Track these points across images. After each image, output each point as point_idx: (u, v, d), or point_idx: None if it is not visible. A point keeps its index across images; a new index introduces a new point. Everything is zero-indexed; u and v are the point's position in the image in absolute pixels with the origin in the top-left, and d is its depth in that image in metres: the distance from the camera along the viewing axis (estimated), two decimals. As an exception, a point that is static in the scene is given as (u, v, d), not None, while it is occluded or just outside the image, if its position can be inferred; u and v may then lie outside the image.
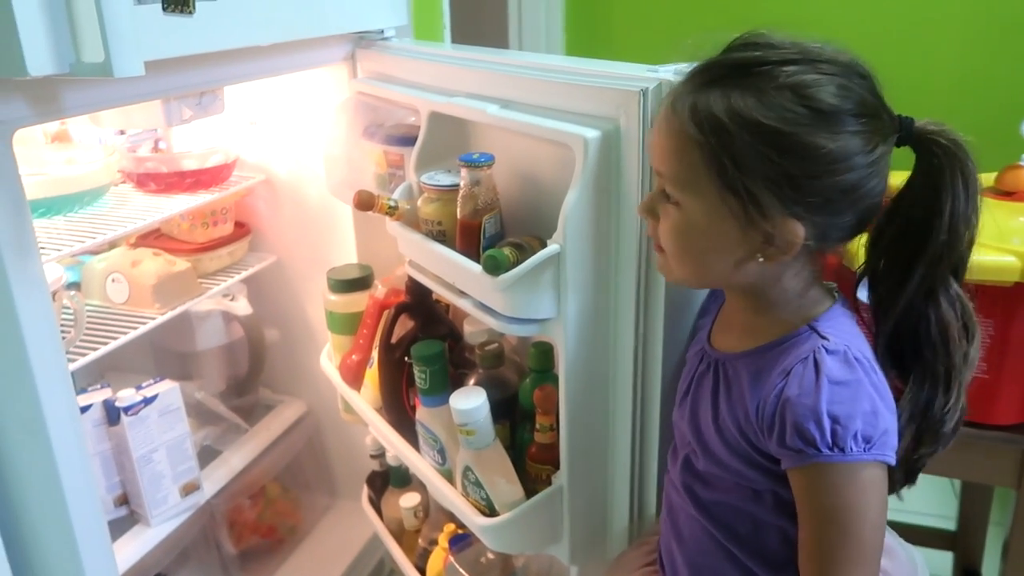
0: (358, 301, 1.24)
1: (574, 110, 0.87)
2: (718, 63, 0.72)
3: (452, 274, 0.95)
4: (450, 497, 1.01)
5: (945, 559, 1.59)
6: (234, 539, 1.45)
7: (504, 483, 0.94)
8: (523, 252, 0.85)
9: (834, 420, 0.69)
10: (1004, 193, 1.26)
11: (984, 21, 2.06)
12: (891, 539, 0.87)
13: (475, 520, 0.96)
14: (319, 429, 1.63)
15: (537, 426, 0.97)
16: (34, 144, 1.29)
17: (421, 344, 1.05)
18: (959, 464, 1.13)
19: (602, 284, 0.88)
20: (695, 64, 0.74)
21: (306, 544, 1.60)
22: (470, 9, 2.19)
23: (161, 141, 1.38)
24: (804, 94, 0.68)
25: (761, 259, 0.73)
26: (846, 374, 0.71)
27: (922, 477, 1.01)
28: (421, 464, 1.08)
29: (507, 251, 0.85)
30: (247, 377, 1.55)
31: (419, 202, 1.01)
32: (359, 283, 1.27)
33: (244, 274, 1.44)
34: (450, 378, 1.05)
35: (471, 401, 0.92)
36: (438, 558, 1.20)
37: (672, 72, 0.81)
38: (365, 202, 0.99)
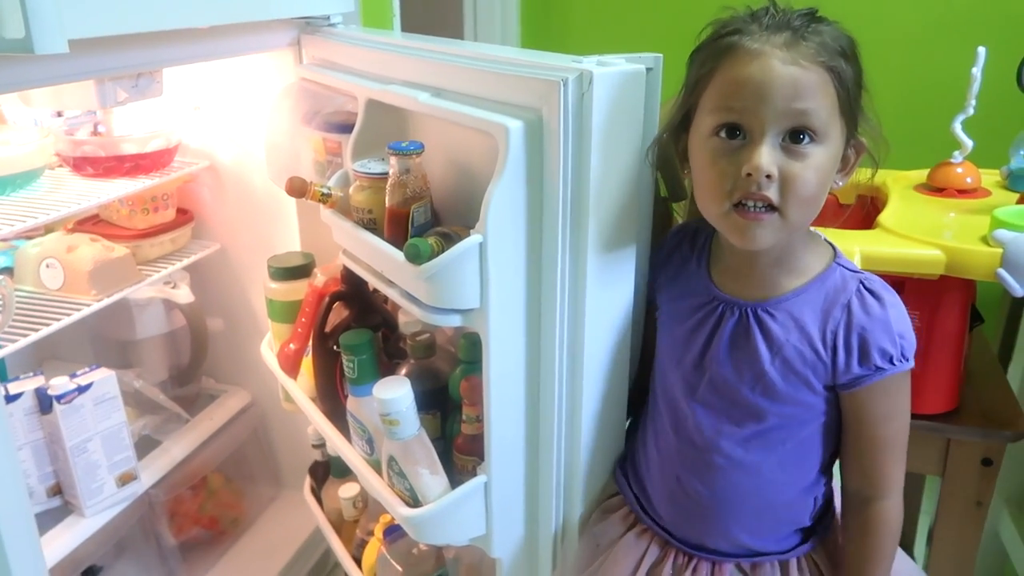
0: (298, 289, 1.23)
1: (502, 99, 0.86)
2: (800, 14, 0.78)
3: (380, 262, 0.95)
4: (377, 488, 1.00)
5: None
6: (174, 530, 1.43)
7: (427, 474, 0.93)
8: (449, 241, 0.84)
9: (901, 336, 0.81)
10: (935, 189, 1.29)
11: (921, 21, 2.11)
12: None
13: (399, 511, 0.95)
14: (264, 419, 1.62)
15: (464, 417, 0.97)
16: (-37, 126, 1.26)
17: (350, 333, 1.05)
18: (889, 453, 1.15)
19: (527, 275, 0.87)
20: (766, 25, 0.77)
21: (249, 535, 1.59)
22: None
23: (100, 124, 1.35)
24: (843, 30, 0.79)
25: (839, 183, 0.82)
26: (893, 297, 0.83)
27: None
28: (351, 454, 1.08)
29: (431, 240, 0.84)
30: (189, 366, 1.53)
31: (351, 190, 1.00)
32: (300, 271, 1.25)
33: (186, 261, 1.42)
34: (383, 368, 1.04)
35: (394, 391, 0.90)
36: (373, 549, 1.19)
37: (595, 62, 0.81)
38: (298, 189, 0.98)
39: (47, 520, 1.19)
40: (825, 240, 0.88)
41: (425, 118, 1.03)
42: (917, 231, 1.10)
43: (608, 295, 0.89)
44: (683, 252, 0.93)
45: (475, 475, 0.94)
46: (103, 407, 1.23)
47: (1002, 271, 1.00)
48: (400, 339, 1.11)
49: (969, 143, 1.27)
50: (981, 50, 1.21)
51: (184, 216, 1.46)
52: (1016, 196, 1.26)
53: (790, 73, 0.74)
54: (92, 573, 1.29)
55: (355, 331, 1.05)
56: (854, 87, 0.77)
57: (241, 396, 1.59)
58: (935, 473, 1.17)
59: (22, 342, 1.13)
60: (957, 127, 1.27)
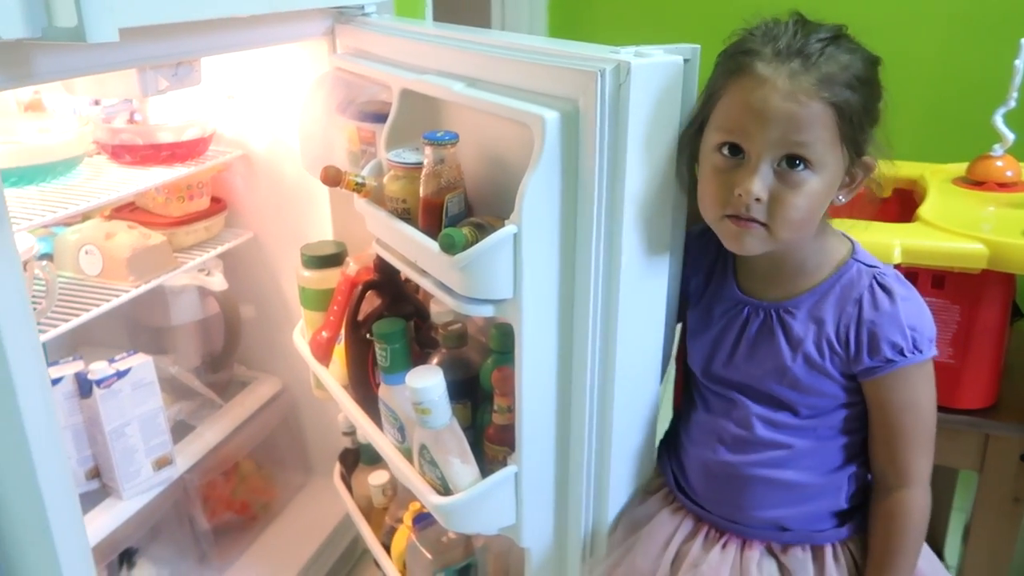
0: (331, 278, 1.24)
1: (538, 90, 0.86)
2: (819, 38, 0.79)
3: (413, 252, 0.95)
4: (408, 475, 1.01)
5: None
6: (207, 514, 1.45)
7: (458, 463, 0.94)
8: (483, 232, 0.85)
9: (913, 329, 0.84)
10: (975, 183, 1.27)
11: (960, 13, 2.07)
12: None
13: (430, 498, 0.96)
14: (294, 406, 1.64)
15: (495, 407, 0.97)
16: (6, 113, 1.28)
17: (383, 322, 1.05)
18: (924, 448, 1.14)
19: (561, 266, 0.87)
20: (777, 50, 0.78)
21: (279, 521, 1.61)
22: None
23: (137, 113, 1.36)
24: (863, 49, 0.81)
25: (842, 199, 0.85)
26: (906, 290, 0.86)
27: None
28: (383, 442, 1.08)
29: (466, 230, 0.84)
30: (222, 353, 1.55)
31: (385, 179, 1.00)
32: (332, 259, 1.26)
33: (220, 249, 1.44)
34: (415, 357, 1.05)
35: (427, 380, 0.91)
36: (402, 536, 1.20)
37: (633, 53, 0.80)
38: (332, 178, 0.99)
39: (86, 502, 1.21)
40: (843, 235, 0.91)
41: (459, 108, 1.03)
42: (957, 225, 1.09)
43: (643, 287, 0.89)
44: (711, 253, 0.96)
45: (506, 465, 0.94)
46: (141, 392, 1.25)
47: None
48: (432, 328, 1.11)
49: (1011, 136, 1.25)
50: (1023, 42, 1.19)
51: (218, 204, 1.48)
52: (1058, 190, 1.24)
53: (788, 108, 0.77)
54: (129, 555, 1.31)
55: (388, 320, 1.06)
56: (861, 115, 0.79)
57: (272, 383, 1.60)
58: (972, 468, 1.15)
59: (63, 327, 1.15)
60: (998, 120, 1.25)
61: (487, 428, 1.00)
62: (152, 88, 1.18)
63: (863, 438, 0.91)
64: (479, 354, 1.06)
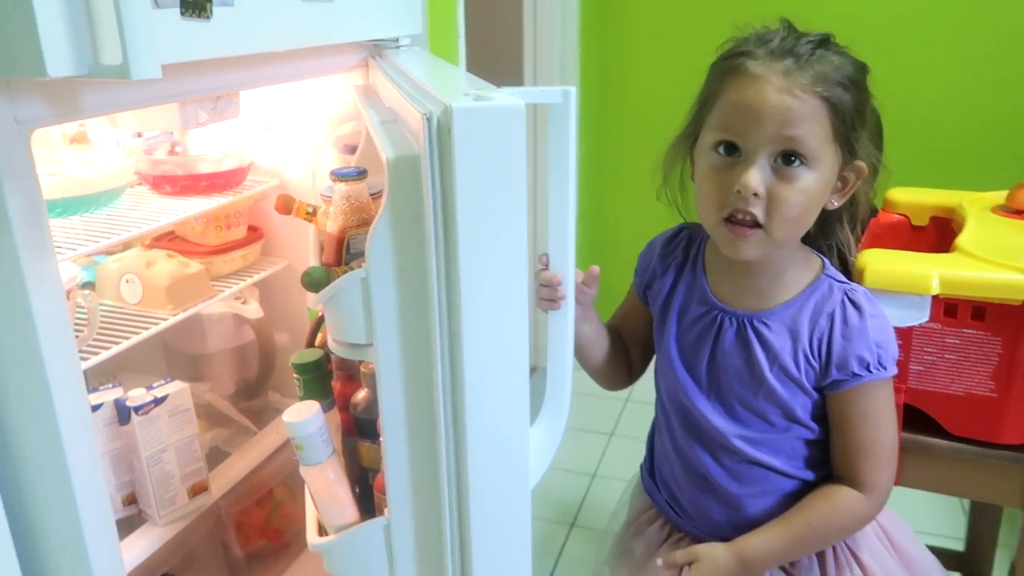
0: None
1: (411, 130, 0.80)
2: (808, 40, 0.83)
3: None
4: (308, 509, 0.98)
5: (953, 580, 1.58)
6: (241, 541, 1.45)
7: (332, 504, 0.90)
8: None
9: (878, 346, 0.87)
10: (1015, 211, 1.25)
11: (1000, 40, 2.06)
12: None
13: (308, 535, 0.94)
14: (327, 433, 1.64)
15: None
16: (53, 145, 1.31)
17: (302, 352, 1.03)
18: (967, 483, 1.12)
19: (411, 311, 0.81)
20: (772, 50, 0.82)
21: (311, 548, 1.60)
22: (487, 18, 2.20)
23: (177, 145, 1.39)
24: (851, 55, 0.85)
25: (835, 202, 0.88)
26: (874, 308, 0.89)
27: (930, 496, 1.04)
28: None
29: (339, 270, 0.82)
30: (257, 380, 1.56)
31: (320, 211, 1.00)
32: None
33: (256, 277, 1.46)
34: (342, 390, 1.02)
35: (299, 415, 0.88)
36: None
37: (473, 96, 0.72)
38: (284, 206, 0.99)
39: (122, 528, 1.21)
40: (815, 252, 0.94)
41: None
42: (998, 255, 1.07)
43: (488, 340, 0.78)
44: (677, 258, 0.98)
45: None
46: (177, 419, 1.26)
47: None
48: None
49: (1051, 163, 1.24)
50: (1064, 69, 1.18)
51: (255, 233, 1.50)
52: (1100, 218, 1.22)
53: (783, 102, 0.79)
54: (165, 582, 1.32)
55: (310, 350, 1.04)
56: (853, 115, 0.82)
57: (305, 410, 1.61)
58: (1016, 505, 1.13)
59: (104, 355, 1.16)
60: (1038, 147, 1.24)
61: (378, 477, 0.94)
62: (192, 121, 1.21)
63: None
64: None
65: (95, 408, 1.19)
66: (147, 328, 1.24)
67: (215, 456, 1.42)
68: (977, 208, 1.29)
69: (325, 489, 0.92)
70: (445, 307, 0.77)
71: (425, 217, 0.75)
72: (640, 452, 1.14)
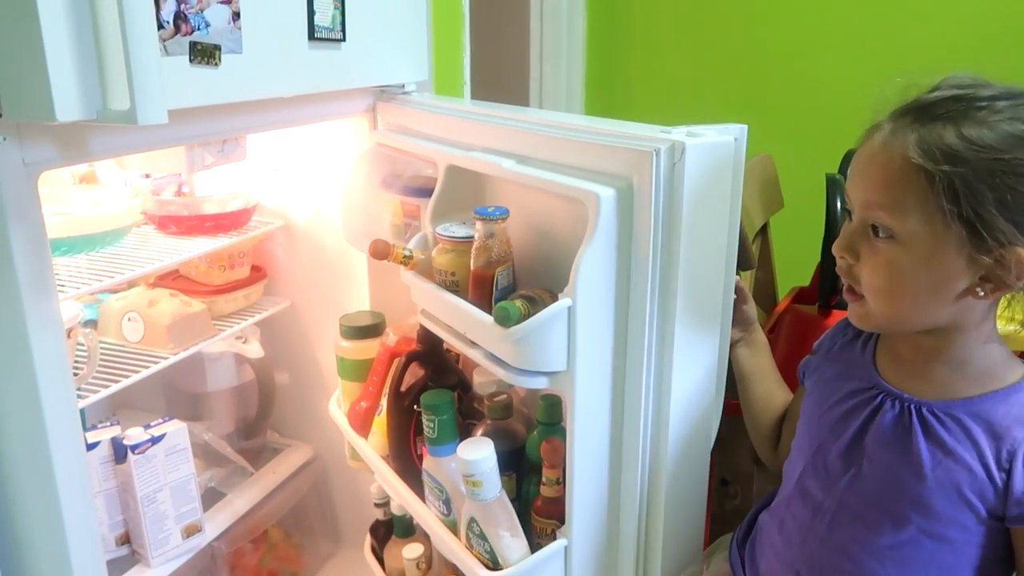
0: (369, 348, 1.25)
1: (588, 167, 0.89)
2: (934, 101, 0.72)
3: (464, 324, 0.96)
4: (454, 549, 1.00)
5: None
6: (234, 584, 1.43)
7: (508, 537, 0.93)
8: (534, 305, 0.86)
9: None
10: None
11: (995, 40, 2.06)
12: None
13: (479, 573, 0.95)
14: (325, 475, 1.62)
15: (544, 479, 0.96)
16: (62, 184, 1.32)
17: (431, 393, 1.06)
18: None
19: (614, 339, 0.89)
20: (904, 103, 0.74)
21: (307, 592, 1.58)
22: (491, 66, 2.24)
23: (184, 185, 1.41)
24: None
25: (982, 293, 0.72)
26: None
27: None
28: (426, 514, 1.07)
29: (519, 303, 0.86)
30: (256, 419, 1.55)
31: (433, 252, 1.02)
32: (371, 330, 1.27)
33: (258, 317, 1.46)
34: (459, 428, 1.05)
35: (478, 452, 0.91)
36: (439, 611, 1.18)
37: (685, 133, 0.83)
38: (381, 251, 1.01)
39: (115, 569, 1.20)
40: (1018, 359, 0.79)
41: (502, 183, 1.05)
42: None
43: (694, 360, 0.90)
44: (847, 336, 0.89)
45: (554, 538, 0.94)
46: (173, 458, 1.25)
47: None
48: (474, 399, 1.11)
49: None
50: None
51: (258, 273, 1.50)
52: None
53: (876, 161, 0.72)
54: (157, 625, 1.29)
55: (435, 391, 1.07)
56: (974, 191, 0.68)
57: (304, 451, 1.60)
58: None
59: (103, 393, 1.16)
60: None
61: (535, 500, 0.99)
62: (199, 164, 1.22)
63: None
64: (523, 425, 1.06)
65: (92, 446, 1.18)
66: (147, 367, 1.24)
67: (211, 496, 1.41)
68: None
69: (503, 522, 0.94)
70: (656, 328, 0.87)
71: (642, 243, 0.84)
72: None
